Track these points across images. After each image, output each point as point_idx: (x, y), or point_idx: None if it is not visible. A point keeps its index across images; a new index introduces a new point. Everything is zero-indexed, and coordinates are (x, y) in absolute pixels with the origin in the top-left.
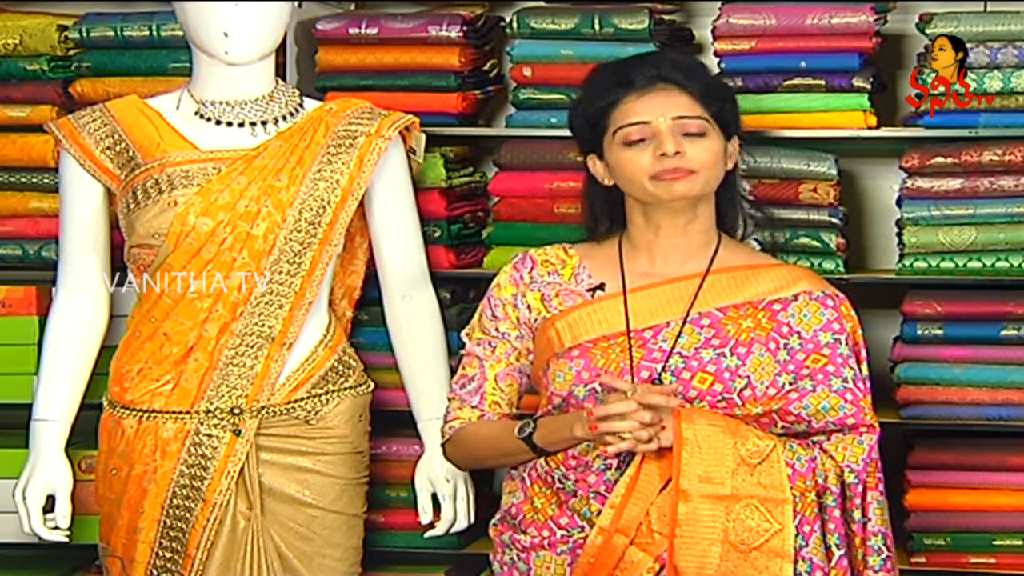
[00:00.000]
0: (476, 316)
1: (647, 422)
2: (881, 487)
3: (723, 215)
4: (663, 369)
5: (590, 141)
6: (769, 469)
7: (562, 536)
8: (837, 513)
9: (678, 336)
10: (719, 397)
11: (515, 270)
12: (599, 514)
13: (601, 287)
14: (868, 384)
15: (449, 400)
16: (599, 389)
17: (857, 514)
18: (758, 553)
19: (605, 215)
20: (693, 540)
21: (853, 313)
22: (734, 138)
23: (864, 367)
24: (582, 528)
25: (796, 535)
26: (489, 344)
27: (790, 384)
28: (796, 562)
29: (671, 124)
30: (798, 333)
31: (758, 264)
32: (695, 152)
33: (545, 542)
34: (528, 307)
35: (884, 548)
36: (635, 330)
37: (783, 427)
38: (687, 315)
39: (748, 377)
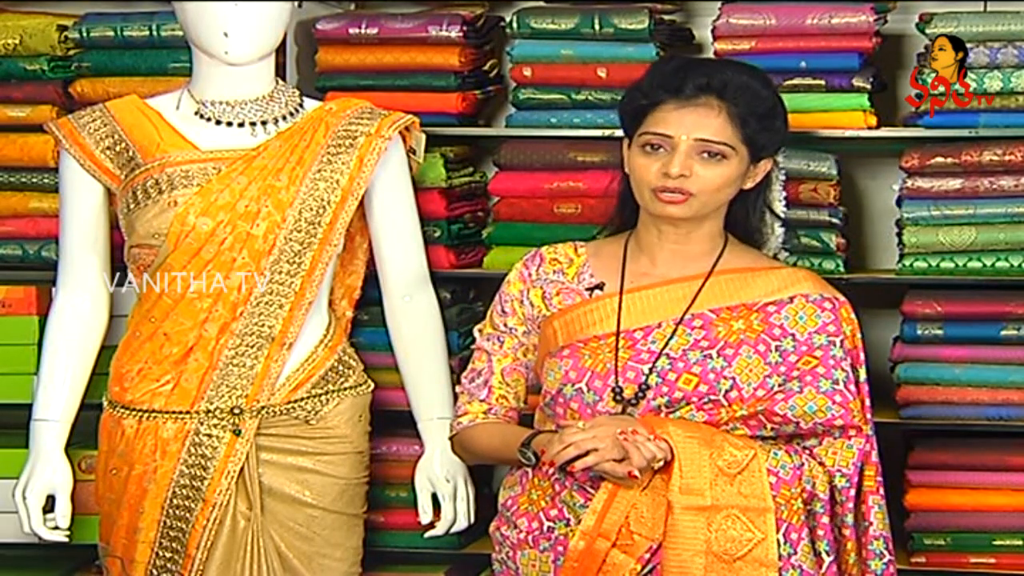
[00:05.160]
0: (489, 311)
1: (599, 447)
2: (882, 491)
3: (735, 224)
4: (650, 371)
5: (628, 128)
6: (750, 478)
7: (548, 529)
8: (826, 519)
9: (670, 337)
10: (705, 399)
11: (524, 267)
12: (581, 507)
13: (600, 286)
14: (865, 388)
15: (459, 394)
16: (585, 390)
17: (850, 519)
18: (742, 563)
19: (627, 204)
20: (675, 552)
21: (853, 316)
22: (765, 160)
23: (862, 371)
24: (567, 522)
25: (784, 543)
26: (497, 339)
27: (779, 386)
28: (787, 570)
29: (691, 144)
30: (792, 335)
31: (759, 267)
32: (704, 174)
33: (530, 538)
34: (531, 304)
35: (886, 552)
36: (626, 330)
37: (772, 429)
38: (682, 317)
39: (734, 379)
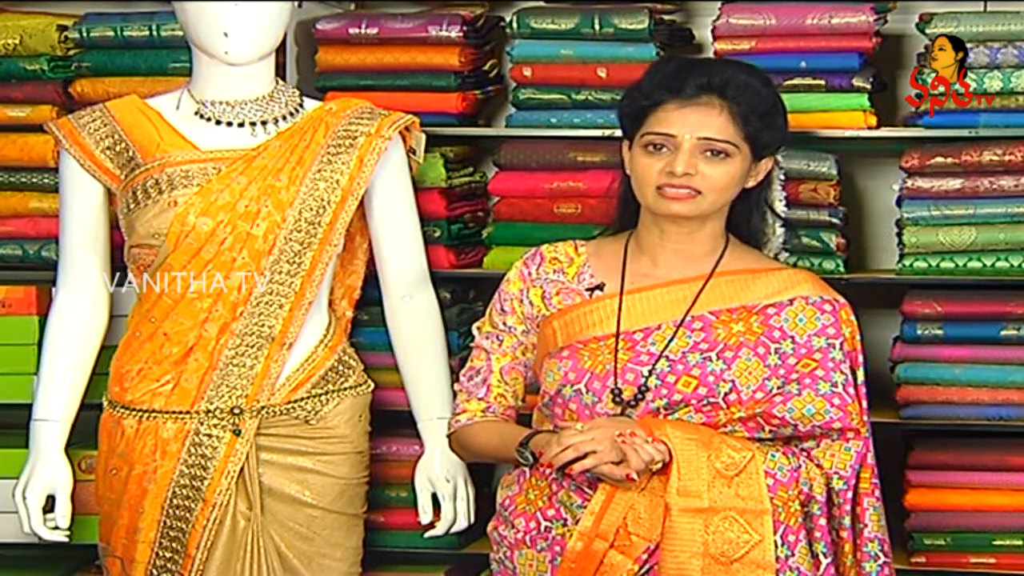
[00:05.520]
0: (488, 309)
1: (598, 449)
2: (877, 493)
3: (737, 224)
4: (650, 373)
5: (628, 129)
6: (747, 480)
7: (545, 529)
8: (823, 521)
9: (670, 340)
10: (704, 401)
11: (524, 266)
12: (579, 507)
13: (600, 287)
14: (863, 391)
15: (457, 392)
16: (584, 391)
17: (847, 521)
18: (739, 565)
19: (628, 205)
20: (672, 553)
21: (853, 319)
22: (767, 159)
23: (860, 373)
24: (565, 522)
25: (782, 545)
26: (497, 338)
27: (778, 388)
28: (784, 572)
29: (695, 143)
30: (792, 337)
31: (760, 268)
32: (709, 172)
33: (527, 538)
34: (531, 303)
35: (881, 554)
36: (626, 332)
37: (770, 431)
38: (682, 319)
39: (733, 381)
